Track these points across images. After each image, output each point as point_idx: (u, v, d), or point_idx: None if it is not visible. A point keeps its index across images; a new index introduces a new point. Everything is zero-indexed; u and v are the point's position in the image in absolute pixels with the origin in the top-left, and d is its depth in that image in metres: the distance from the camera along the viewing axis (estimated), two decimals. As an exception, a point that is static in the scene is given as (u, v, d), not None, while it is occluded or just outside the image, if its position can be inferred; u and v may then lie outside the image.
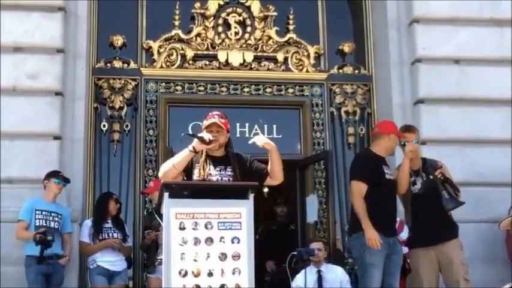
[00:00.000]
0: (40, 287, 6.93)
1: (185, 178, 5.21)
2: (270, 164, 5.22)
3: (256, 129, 8.67)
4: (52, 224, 7.12)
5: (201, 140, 5.09)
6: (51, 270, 6.99)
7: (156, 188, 7.56)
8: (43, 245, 6.82)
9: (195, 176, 5.19)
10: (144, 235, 7.58)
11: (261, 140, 5.19)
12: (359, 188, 5.95)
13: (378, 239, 5.79)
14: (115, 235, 7.47)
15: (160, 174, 5.25)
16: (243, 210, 4.83)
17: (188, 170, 5.22)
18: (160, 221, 7.25)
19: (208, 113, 5.34)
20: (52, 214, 7.13)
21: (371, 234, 5.80)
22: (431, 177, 6.20)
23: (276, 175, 5.24)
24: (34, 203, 7.12)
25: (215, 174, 5.21)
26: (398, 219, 7.42)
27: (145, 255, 7.81)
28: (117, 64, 8.69)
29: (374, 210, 5.91)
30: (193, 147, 5.11)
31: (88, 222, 7.51)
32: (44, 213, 7.09)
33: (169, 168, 5.13)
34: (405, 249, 7.16)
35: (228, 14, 8.97)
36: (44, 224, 7.06)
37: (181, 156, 5.13)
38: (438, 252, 6.20)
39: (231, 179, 5.19)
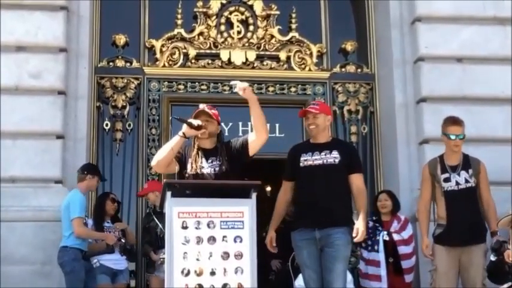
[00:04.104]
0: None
1: (182, 171, 5.30)
2: (251, 119, 5.28)
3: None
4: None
5: (190, 124, 5.18)
6: (88, 267, 7.12)
7: (151, 188, 7.63)
8: (124, 253, 7.32)
9: (188, 169, 5.27)
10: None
11: (241, 84, 5.15)
12: (281, 189, 5.98)
13: (270, 242, 5.80)
14: (116, 234, 7.47)
15: (153, 163, 5.37)
16: (245, 209, 4.84)
17: (182, 163, 5.31)
18: (158, 222, 7.35)
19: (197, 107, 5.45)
20: None
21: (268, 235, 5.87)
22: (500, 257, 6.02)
23: (258, 129, 5.29)
24: (84, 199, 7.16)
25: (207, 167, 5.28)
26: (403, 216, 7.43)
27: (147, 258, 7.80)
28: (120, 63, 8.69)
29: (295, 203, 5.89)
30: (183, 133, 5.21)
31: (89, 222, 7.51)
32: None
33: (163, 155, 5.24)
34: (404, 250, 7.16)
35: (230, 13, 8.97)
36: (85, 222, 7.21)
37: (173, 142, 5.24)
38: (462, 253, 6.17)
39: (217, 168, 5.26)
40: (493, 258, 6.16)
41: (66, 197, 7.12)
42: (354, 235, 5.63)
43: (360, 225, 5.63)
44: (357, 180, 5.80)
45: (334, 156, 5.75)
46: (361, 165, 6.05)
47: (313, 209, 5.65)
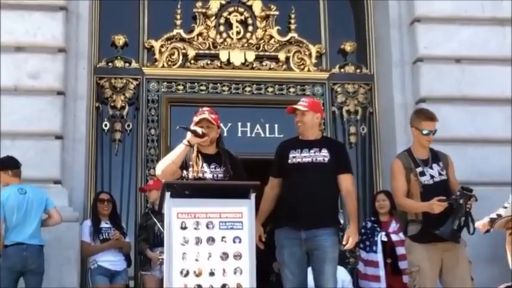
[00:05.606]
0: None
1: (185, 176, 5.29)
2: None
3: (257, 129, 8.70)
4: None
5: (194, 133, 5.20)
6: None
7: (155, 186, 7.59)
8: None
9: (190, 173, 5.26)
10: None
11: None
12: (268, 185, 5.82)
13: (257, 235, 5.39)
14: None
15: (158, 172, 5.33)
16: (244, 210, 4.84)
17: (183, 167, 5.30)
18: (156, 221, 7.33)
19: (198, 109, 5.43)
20: None
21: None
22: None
23: None
24: None
25: (209, 172, 5.28)
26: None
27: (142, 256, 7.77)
28: (119, 63, 8.69)
29: (280, 202, 5.74)
30: (188, 141, 5.21)
31: (88, 222, 7.52)
32: None
33: (168, 164, 5.23)
34: (402, 250, 7.13)
35: (229, 13, 8.97)
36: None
37: (179, 151, 5.23)
38: (444, 249, 6.03)
39: (220, 175, 5.27)
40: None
41: (32, 193, 6.88)
42: (344, 242, 5.62)
43: (351, 233, 5.62)
44: (346, 182, 5.72)
45: (323, 155, 5.66)
46: (350, 166, 5.92)
47: (300, 208, 5.55)
